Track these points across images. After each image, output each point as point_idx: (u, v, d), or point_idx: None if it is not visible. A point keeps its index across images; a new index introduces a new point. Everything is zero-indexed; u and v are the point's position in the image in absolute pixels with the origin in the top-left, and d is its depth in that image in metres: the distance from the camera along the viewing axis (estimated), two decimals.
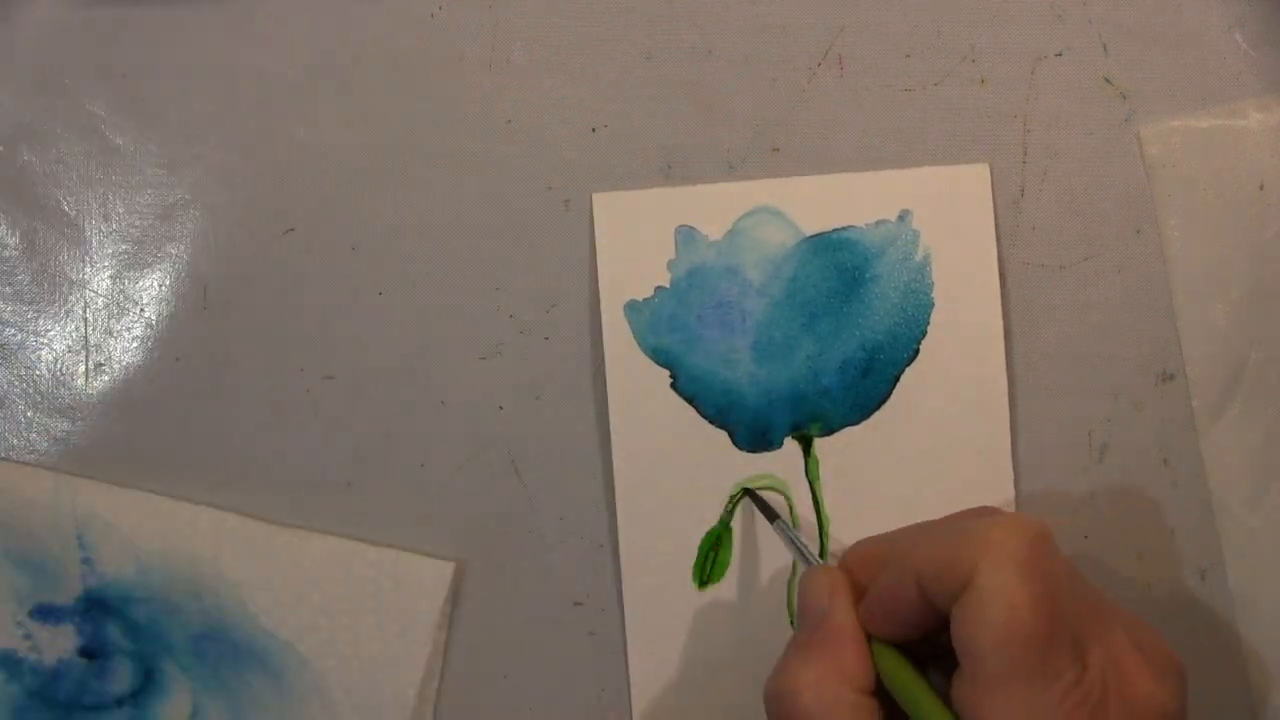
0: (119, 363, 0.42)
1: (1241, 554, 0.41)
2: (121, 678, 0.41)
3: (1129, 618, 0.33)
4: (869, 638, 0.33)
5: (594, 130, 0.41)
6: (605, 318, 0.40)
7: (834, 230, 0.41)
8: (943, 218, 0.41)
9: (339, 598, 0.41)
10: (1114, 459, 0.41)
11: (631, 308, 0.41)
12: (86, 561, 0.41)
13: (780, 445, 0.41)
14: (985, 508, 0.37)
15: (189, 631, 0.41)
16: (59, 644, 0.41)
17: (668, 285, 0.41)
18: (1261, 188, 0.41)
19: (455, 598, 0.42)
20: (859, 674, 0.32)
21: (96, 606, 0.41)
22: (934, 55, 0.41)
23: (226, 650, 0.41)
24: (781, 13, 0.41)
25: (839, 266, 0.41)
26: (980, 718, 0.30)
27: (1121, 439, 0.41)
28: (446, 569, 0.41)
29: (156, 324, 0.42)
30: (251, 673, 0.41)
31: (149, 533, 0.41)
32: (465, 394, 0.41)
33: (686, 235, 0.41)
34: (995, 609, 0.29)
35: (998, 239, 0.41)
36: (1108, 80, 0.41)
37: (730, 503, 0.41)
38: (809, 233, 0.41)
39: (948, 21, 0.41)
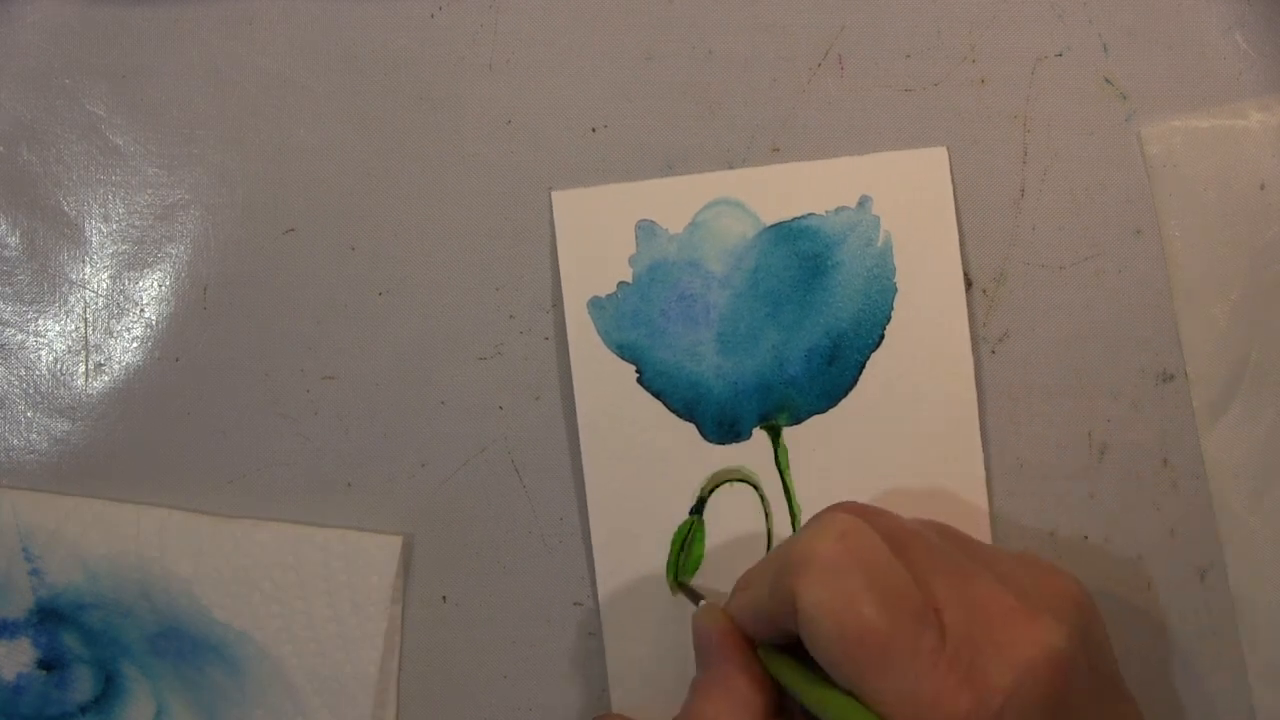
0: (119, 363, 0.42)
1: (1241, 554, 0.41)
2: (83, 686, 0.41)
3: (1007, 560, 0.33)
4: (758, 646, 0.34)
5: (594, 130, 0.41)
6: (569, 315, 0.41)
7: (794, 219, 0.41)
8: (903, 202, 0.41)
9: (290, 583, 0.41)
10: (1114, 459, 0.41)
11: (595, 305, 0.41)
12: (35, 573, 0.41)
13: (749, 436, 0.41)
14: (815, 515, 0.36)
15: (144, 632, 0.41)
16: (16, 658, 0.41)
17: (630, 281, 0.41)
18: (1262, 188, 0.41)
19: (454, 598, 0.42)
20: (756, 700, 0.33)
21: (50, 617, 0.41)
22: (934, 55, 0.41)
23: (184, 647, 0.41)
24: (781, 13, 0.41)
25: (800, 255, 0.41)
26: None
27: (1121, 439, 0.41)
28: (395, 543, 0.41)
29: (156, 324, 0.42)
30: (211, 666, 0.41)
31: (94, 538, 0.41)
32: (465, 394, 0.41)
33: (647, 230, 0.41)
34: (823, 626, 0.30)
35: (989, 236, 0.41)
36: (1108, 80, 0.41)
37: (701, 496, 0.41)
38: (769, 222, 0.41)
39: (948, 21, 0.41)
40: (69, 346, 0.42)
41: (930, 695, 0.29)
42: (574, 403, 0.41)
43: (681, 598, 0.41)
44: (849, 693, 0.30)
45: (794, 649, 0.32)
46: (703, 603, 0.37)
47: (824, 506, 0.39)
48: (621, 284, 0.41)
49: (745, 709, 0.33)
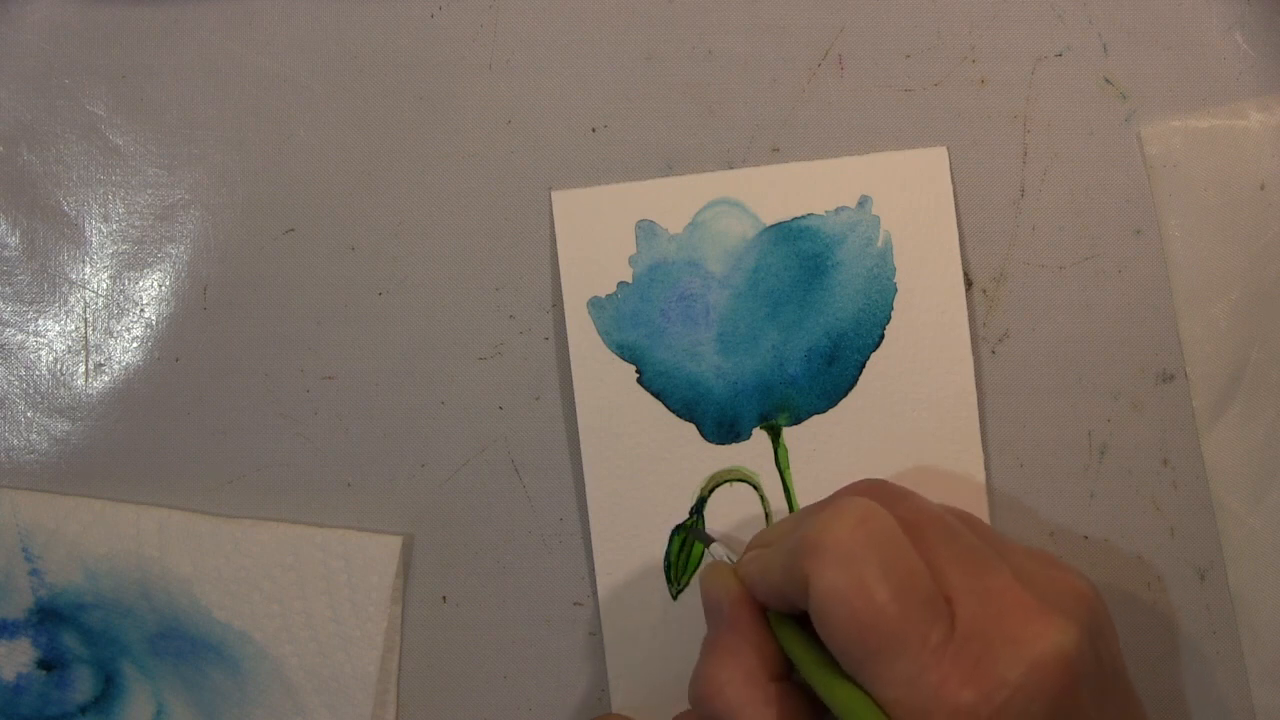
0: (119, 363, 0.42)
1: (1241, 554, 0.41)
2: (83, 686, 0.41)
3: (1022, 555, 0.33)
4: (769, 614, 0.34)
5: (594, 130, 0.41)
6: (569, 315, 0.41)
7: (794, 219, 0.41)
8: (903, 202, 0.41)
9: (290, 583, 0.41)
10: (1114, 459, 0.41)
11: (595, 304, 0.41)
12: (35, 573, 0.41)
13: (749, 436, 0.41)
14: (834, 495, 0.36)
15: (144, 632, 0.41)
16: (16, 658, 0.41)
17: (630, 281, 0.41)
18: (1262, 188, 0.41)
19: (454, 598, 0.42)
20: (763, 667, 0.33)
21: (50, 617, 0.41)
22: (934, 55, 0.41)
23: (184, 647, 0.41)
24: (781, 13, 0.41)
25: (800, 255, 0.41)
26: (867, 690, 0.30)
27: (1121, 439, 0.41)
28: (394, 544, 0.41)
29: (156, 324, 0.42)
30: (210, 666, 0.41)
31: (94, 538, 0.41)
32: (465, 394, 0.41)
33: (647, 230, 0.41)
34: (835, 611, 0.30)
35: (990, 235, 0.41)
36: (1108, 80, 0.41)
37: (701, 496, 0.41)
38: (769, 223, 0.41)
39: (948, 21, 0.41)
40: (69, 346, 0.42)
41: (934, 685, 0.29)
42: (574, 403, 0.41)
43: (682, 598, 0.41)
44: (851, 678, 0.30)
45: (803, 619, 0.32)
46: (710, 560, 0.36)
47: None
48: (621, 284, 0.41)
49: (753, 675, 0.33)
